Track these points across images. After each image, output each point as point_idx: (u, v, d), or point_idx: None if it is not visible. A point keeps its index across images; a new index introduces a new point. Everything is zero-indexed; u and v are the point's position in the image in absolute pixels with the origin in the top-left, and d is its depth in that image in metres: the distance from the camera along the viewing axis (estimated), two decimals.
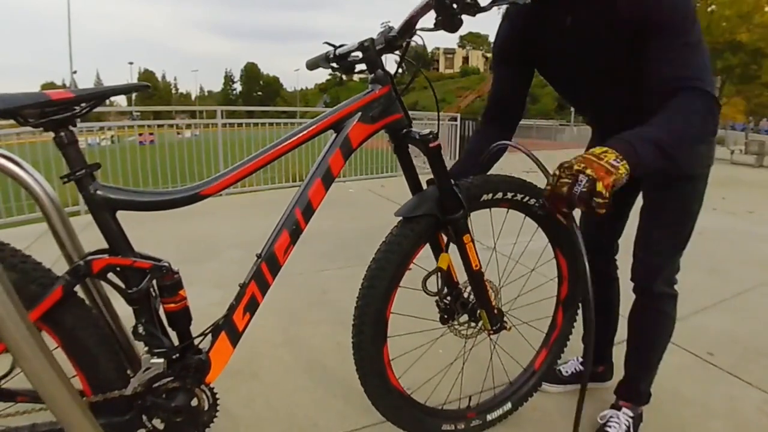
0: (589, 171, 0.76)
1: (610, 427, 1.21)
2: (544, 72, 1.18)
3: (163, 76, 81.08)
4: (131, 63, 77.72)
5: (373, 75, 0.96)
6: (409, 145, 1.02)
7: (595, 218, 1.30)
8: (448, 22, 0.87)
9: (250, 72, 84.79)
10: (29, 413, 0.82)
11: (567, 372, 1.46)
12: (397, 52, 0.96)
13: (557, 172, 0.80)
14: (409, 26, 0.91)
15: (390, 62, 1.00)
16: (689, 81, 0.87)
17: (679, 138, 0.85)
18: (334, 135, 0.93)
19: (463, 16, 0.87)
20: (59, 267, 0.81)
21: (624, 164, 0.77)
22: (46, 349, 0.63)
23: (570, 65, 1.07)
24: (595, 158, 0.78)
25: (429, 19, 0.89)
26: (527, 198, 1.11)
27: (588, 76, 1.06)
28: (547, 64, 1.15)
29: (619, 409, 1.24)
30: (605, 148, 0.80)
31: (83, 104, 0.77)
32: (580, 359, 1.47)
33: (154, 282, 0.82)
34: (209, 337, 0.89)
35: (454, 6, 0.84)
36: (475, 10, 0.86)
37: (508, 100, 1.21)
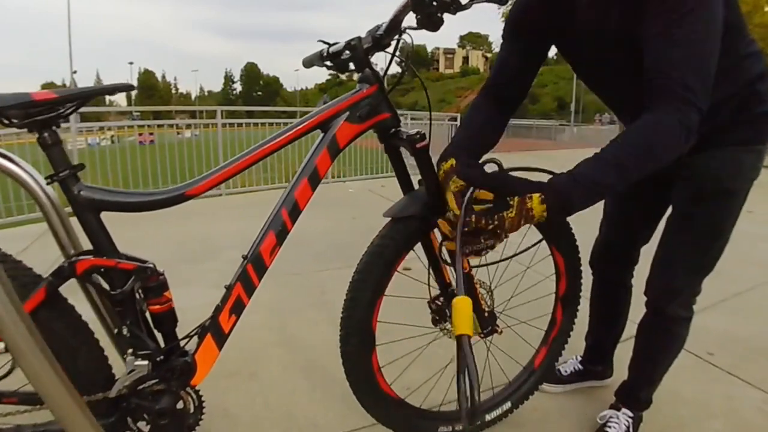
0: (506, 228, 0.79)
1: (609, 427, 1.20)
2: (565, 50, 1.06)
3: (163, 76, 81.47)
4: (131, 63, 78.49)
5: (360, 74, 0.95)
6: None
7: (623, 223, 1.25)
8: (427, 20, 0.85)
9: (250, 72, 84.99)
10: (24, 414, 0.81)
11: (566, 372, 1.45)
12: (388, 50, 0.95)
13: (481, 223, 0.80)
14: (395, 24, 0.89)
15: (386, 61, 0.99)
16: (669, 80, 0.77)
17: (629, 172, 0.78)
18: (321, 135, 0.92)
19: (450, 15, 0.86)
20: None
21: (543, 210, 0.77)
22: (45, 349, 0.63)
23: (593, 43, 0.95)
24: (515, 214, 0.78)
25: (413, 17, 0.88)
26: None
27: (609, 54, 0.95)
28: (567, 40, 1.02)
29: (618, 409, 1.23)
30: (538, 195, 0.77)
31: (67, 105, 0.76)
32: (580, 358, 1.47)
33: (139, 283, 0.81)
34: (195, 339, 0.88)
35: (433, 4, 0.83)
36: (455, 8, 0.84)
37: (513, 78, 1.07)
